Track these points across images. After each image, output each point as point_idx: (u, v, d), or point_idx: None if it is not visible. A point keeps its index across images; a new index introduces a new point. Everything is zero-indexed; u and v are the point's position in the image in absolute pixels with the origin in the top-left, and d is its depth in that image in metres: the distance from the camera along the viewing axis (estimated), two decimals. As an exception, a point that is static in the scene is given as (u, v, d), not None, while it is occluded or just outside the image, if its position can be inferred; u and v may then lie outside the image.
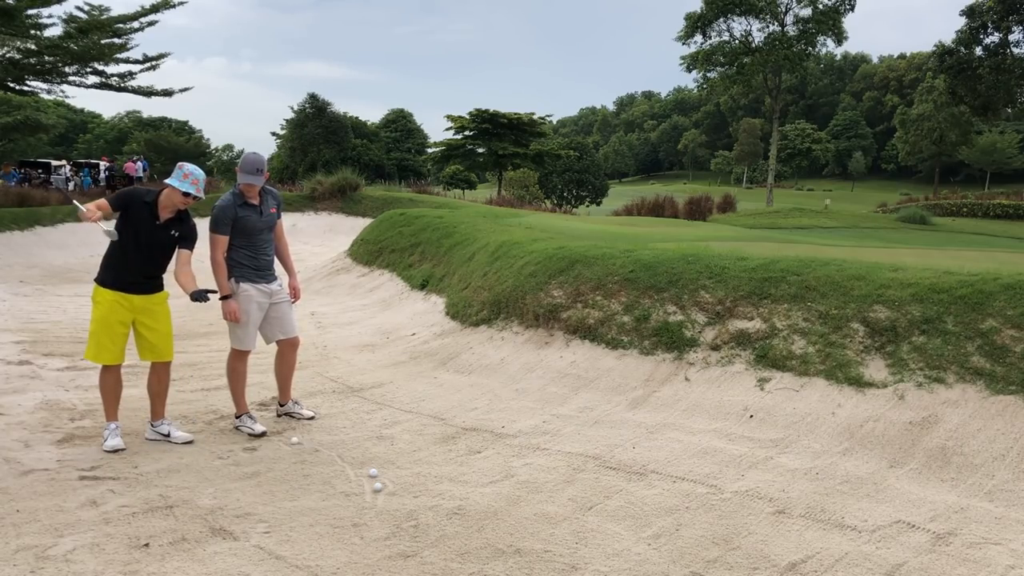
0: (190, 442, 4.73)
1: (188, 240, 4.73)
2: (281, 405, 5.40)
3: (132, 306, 4.57)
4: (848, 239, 18.70)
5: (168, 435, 4.75)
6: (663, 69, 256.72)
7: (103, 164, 35.07)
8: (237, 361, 5.06)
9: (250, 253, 4.96)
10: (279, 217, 5.19)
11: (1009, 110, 44.62)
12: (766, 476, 4.19)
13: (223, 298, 4.84)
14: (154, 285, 4.69)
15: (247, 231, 4.91)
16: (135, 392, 5.45)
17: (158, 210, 4.56)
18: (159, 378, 4.81)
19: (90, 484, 4.01)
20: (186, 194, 4.54)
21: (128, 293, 4.55)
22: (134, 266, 4.54)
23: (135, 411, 5.13)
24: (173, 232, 4.65)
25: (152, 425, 4.81)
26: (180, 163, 4.68)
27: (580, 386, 5.89)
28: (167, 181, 4.56)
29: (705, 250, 7.31)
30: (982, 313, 4.93)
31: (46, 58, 21.12)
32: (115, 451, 4.50)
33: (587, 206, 54.29)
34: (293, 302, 5.20)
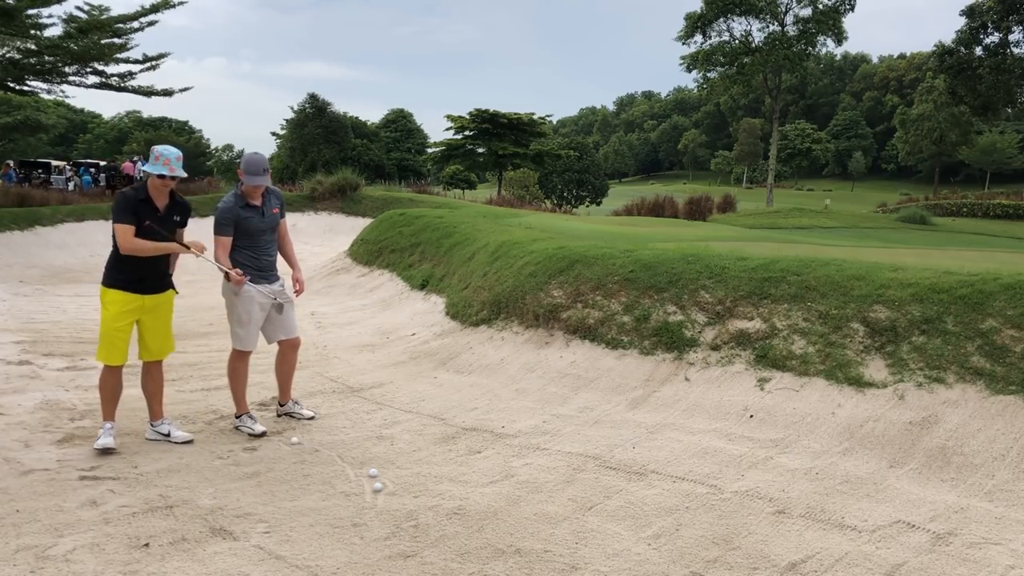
0: (190, 442, 4.72)
1: (186, 219, 4.73)
2: (281, 405, 5.40)
3: (142, 306, 4.57)
4: (848, 239, 18.70)
5: (168, 435, 4.74)
6: (663, 69, 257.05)
7: (101, 164, 35.08)
8: (238, 361, 5.06)
9: (252, 254, 4.95)
10: (283, 216, 5.18)
11: (1009, 110, 44.62)
12: (766, 476, 4.19)
13: (226, 274, 4.81)
14: (166, 282, 4.71)
15: (250, 232, 4.91)
16: (135, 392, 5.43)
17: (154, 203, 4.52)
18: (152, 377, 4.79)
19: (90, 484, 4.01)
20: (161, 176, 4.44)
21: (141, 294, 4.55)
22: (150, 262, 4.51)
23: (135, 411, 5.13)
24: (175, 217, 4.63)
25: (152, 425, 4.81)
26: (152, 147, 4.60)
27: (580, 386, 5.89)
28: (143, 168, 4.52)
29: (705, 250, 7.31)
30: (982, 313, 4.93)
31: (46, 58, 21.08)
32: (105, 450, 4.44)
33: (587, 206, 54.29)
34: (297, 292, 5.17)
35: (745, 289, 6.07)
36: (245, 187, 4.88)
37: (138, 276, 4.51)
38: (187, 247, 4.57)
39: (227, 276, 4.81)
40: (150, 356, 4.73)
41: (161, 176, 4.44)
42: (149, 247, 4.43)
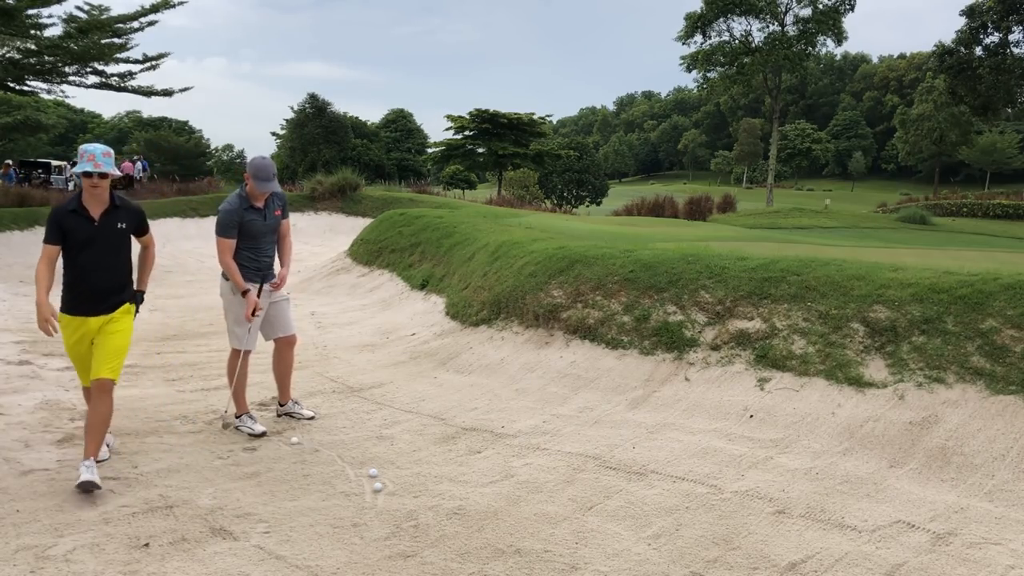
0: (97, 488, 3.82)
1: (139, 226, 4.26)
2: (281, 405, 5.40)
3: (89, 329, 4.12)
4: (848, 239, 18.69)
5: (79, 477, 3.83)
6: (663, 69, 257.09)
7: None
8: (237, 361, 5.06)
9: (252, 255, 4.95)
10: (285, 217, 5.17)
11: (1009, 110, 44.58)
12: (766, 476, 4.19)
13: (244, 293, 4.80)
14: (115, 301, 4.18)
15: (252, 234, 4.90)
16: (135, 392, 5.45)
17: (87, 211, 4.03)
18: (93, 406, 4.00)
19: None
20: (87, 175, 3.93)
21: (86, 316, 4.10)
22: (92, 280, 4.07)
23: (134, 411, 5.13)
24: (120, 224, 4.11)
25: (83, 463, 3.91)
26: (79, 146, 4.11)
27: (580, 386, 5.89)
28: (73, 170, 4.23)
29: (705, 250, 7.31)
30: (982, 313, 4.93)
31: (46, 58, 21.09)
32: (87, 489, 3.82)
33: (587, 206, 54.30)
34: (275, 286, 5.11)
35: (745, 289, 6.07)
36: (251, 190, 4.87)
37: (88, 297, 4.08)
38: (43, 315, 3.85)
39: (244, 294, 4.79)
40: (95, 374, 4.03)
41: (87, 175, 3.93)
42: (40, 282, 3.91)
